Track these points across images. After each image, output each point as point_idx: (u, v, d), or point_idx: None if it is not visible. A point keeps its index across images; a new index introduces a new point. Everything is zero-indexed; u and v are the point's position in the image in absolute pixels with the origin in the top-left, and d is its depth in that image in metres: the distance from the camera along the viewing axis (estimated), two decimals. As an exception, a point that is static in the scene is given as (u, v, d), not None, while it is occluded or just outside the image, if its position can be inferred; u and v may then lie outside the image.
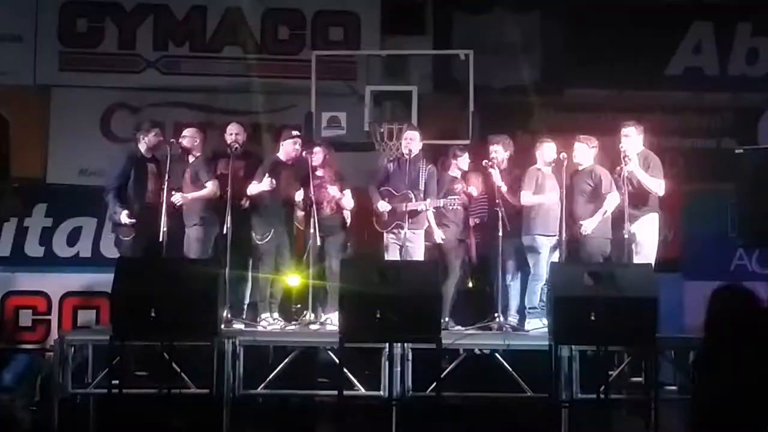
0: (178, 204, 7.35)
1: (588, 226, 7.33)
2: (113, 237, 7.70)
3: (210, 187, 7.49)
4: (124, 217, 7.36)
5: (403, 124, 8.11)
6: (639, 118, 7.90)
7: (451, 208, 7.59)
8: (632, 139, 7.41)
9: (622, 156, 7.32)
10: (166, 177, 7.30)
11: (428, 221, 7.63)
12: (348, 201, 7.68)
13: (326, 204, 7.59)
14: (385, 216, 7.59)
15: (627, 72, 9.30)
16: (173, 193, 7.33)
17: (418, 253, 7.47)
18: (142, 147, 7.60)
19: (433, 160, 8.01)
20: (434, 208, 7.53)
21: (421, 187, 7.54)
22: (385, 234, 7.61)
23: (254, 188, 7.43)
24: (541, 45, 9.65)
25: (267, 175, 7.39)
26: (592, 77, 9.39)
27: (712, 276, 8.77)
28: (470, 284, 8.04)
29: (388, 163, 7.85)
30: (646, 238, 7.35)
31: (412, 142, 7.59)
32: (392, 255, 7.46)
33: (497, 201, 7.52)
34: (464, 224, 7.89)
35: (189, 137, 7.66)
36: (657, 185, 7.36)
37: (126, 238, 7.46)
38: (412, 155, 7.54)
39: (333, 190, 7.59)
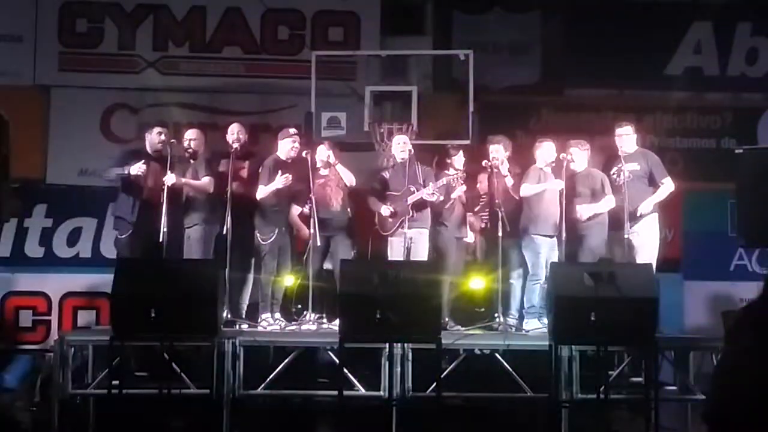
0: (170, 184, 7.28)
1: (583, 212, 7.33)
2: (113, 237, 7.70)
3: (204, 181, 7.50)
4: (136, 168, 7.28)
5: (403, 124, 8.12)
6: (639, 118, 7.93)
7: (454, 184, 7.58)
8: (627, 138, 7.46)
9: (622, 156, 7.35)
10: (166, 177, 7.29)
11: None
12: (349, 177, 7.66)
13: (335, 202, 7.58)
14: (388, 219, 7.59)
15: (627, 72, 9.29)
16: (169, 173, 7.32)
17: (422, 252, 7.47)
18: (147, 146, 7.63)
19: (430, 160, 8.01)
20: (437, 189, 7.50)
21: (421, 181, 7.56)
22: (389, 237, 7.61)
23: (265, 189, 7.44)
24: (541, 45, 9.65)
25: (279, 173, 7.39)
26: (592, 77, 9.39)
27: (712, 276, 8.83)
28: (470, 284, 8.03)
29: (383, 171, 7.85)
30: (647, 239, 7.37)
31: (405, 146, 7.60)
32: (397, 256, 7.44)
33: (497, 201, 7.53)
34: (463, 223, 7.89)
35: (196, 140, 7.70)
36: (668, 187, 7.41)
37: (123, 236, 7.46)
38: (404, 159, 7.55)
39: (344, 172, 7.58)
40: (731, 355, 2.87)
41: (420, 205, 7.54)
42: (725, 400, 2.73)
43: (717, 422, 2.74)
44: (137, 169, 7.28)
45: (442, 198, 7.56)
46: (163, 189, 7.24)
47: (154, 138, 7.60)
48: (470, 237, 8.04)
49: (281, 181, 7.37)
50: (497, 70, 9.36)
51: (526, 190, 7.52)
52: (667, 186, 7.47)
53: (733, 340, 2.88)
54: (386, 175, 7.76)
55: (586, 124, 8.55)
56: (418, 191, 7.47)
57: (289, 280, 7.59)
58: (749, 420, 2.65)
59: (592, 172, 7.54)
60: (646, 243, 7.36)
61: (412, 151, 7.62)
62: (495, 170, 7.60)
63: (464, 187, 7.71)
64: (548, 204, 7.49)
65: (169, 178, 7.25)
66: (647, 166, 7.46)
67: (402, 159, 7.57)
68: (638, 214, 7.32)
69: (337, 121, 8.43)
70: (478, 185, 7.95)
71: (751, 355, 2.70)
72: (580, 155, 7.55)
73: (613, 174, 7.48)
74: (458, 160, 7.87)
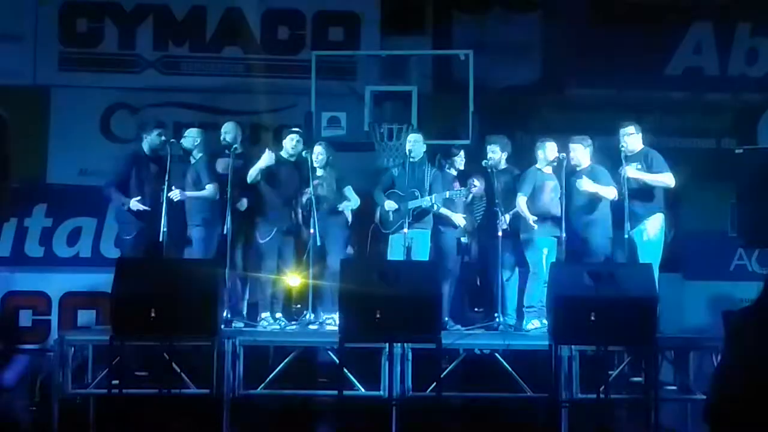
0: (176, 200, 7.35)
1: (585, 184, 7.31)
2: (114, 236, 7.71)
3: (210, 190, 7.51)
4: (135, 204, 7.36)
5: (404, 124, 8.12)
6: (639, 118, 7.93)
7: (457, 199, 7.58)
8: (632, 137, 7.46)
9: (622, 157, 7.35)
10: (167, 177, 7.30)
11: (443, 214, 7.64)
12: (353, 199, 7.66)
13: (333, 201, 7.58)
14: (390, 217, 7.59)
15: (627, 72, 9.29)
16: (173, 188, 7.33)
17: (422, 252, 7.46)
18: (145, 146, 7.64)
19: (431, 161, 8.01)
20: (440, 201, 7.51)
21: (426, 186, 7.55)
22: (390, 236, 7.61)
23: (253, 171, 7.43)
24: (541, 45, 9.64)
25: (263, 176, 7.41)
26: (592, 77, 9.39)
27: (712, 276, 8.82)
28: (470, 284, 8.04)
29: (393, 167, 7.86)
30: (652, 239, 7.35)
31: (415, 144, 7.60)
32: (397, 256, 7.44)
33: (497, 201, 7.53)
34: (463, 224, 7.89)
35: (190, 137, 7.68)
36: (666, 178, 7.40)
37: (128, 237, 7.48)
38: (417, 158, 7.55)
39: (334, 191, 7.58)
40: (732, 355, 2.87)
41: (422, 211, 7.54)
42: (726, 400, 2.74)
43: (718, 422, 2.75)
44: (136, 206, 7.32)
45: (441, 207, 7.55)
46: (163, 189, 7.25)
47: (153, 140, 7.61)
48: (467, 237, 8.04)
49: (267, 157, 7.37)
50: (497, 70, 9.35)
51: (519, 203, 7.51)
52: (666, 177, 7.43)
53: (733, 341, 2.88)
54: (395, 172, 7.78)
55: (586, 124, 8.53)
56: (421, 197, 7.47)
57: (294, 280, 7.57)
58: (749, 420, 2.65)
59: (596, 168, 7.52)
60: (650, 243, 7.35)
61: (423, 150, 7.62)
62: (494, 170, 7.61)
63: (465, 197, 7.69)
64: (549, 203, 7.49)
65: (174, 194, 7.28)
66: (647, 164, 7.45)
67: (413, 158, 7.56)
68: (623, 175, 7.25)
69: (337, 121, 8.44)
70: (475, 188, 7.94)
71: (751, 356, 2.70)
72: (582, 152, 7.55)
73: (616, 175, 7.47)
74: (459, 160, 7.87)
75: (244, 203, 7.53)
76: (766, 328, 2.76)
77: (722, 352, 3.12)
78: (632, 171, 7.28)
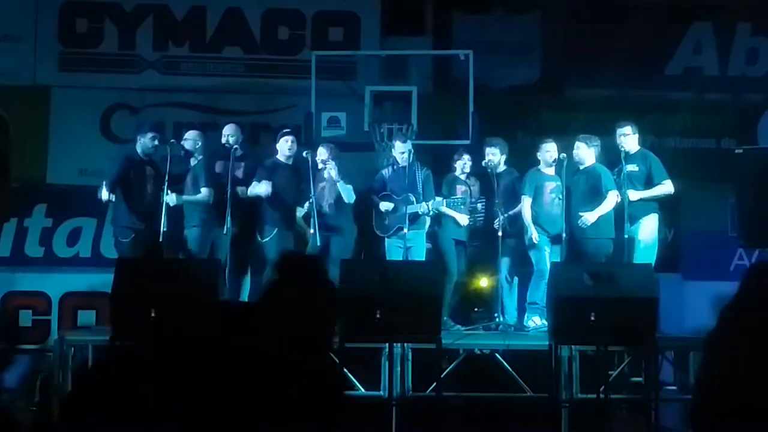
0: (172, 204, 7.34)
1: (589, 218, 7.32)
2: (113, 237, 7.72)
3: (203, 193, 7.50)
4: (103, 193, 7.35)
5: (404, 124, 8.12)
6: (639, 118, 7.93)
7: (453, 207, 7.58)
8: (629, 138, 7.48)
9: (622, 157, 7.36)
10: (166, 178, 7.29)
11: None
12: (348, 194, 7.65)
13: (333, 202, 7.57)
14: (386, 220, 7.58)
15: (627, 72, 9.29)
16: (168, 192, 7.32)
17: (420, 253, 7.46)
18: (138, 148, 7.64)
19: (434, 161, 8.01)
20: (436, 209, 7.51)
21: (419, 189, 7.54)
22: (386, 239, 7.60)
23: (252, 190, 7.46)
24: (541, 45, 9.64)
25: (264, 179, 7.41)
26: (592, 77, 9.38)
27: (712, 276, 8.81)
28: (470, 284, 8.03)
29: (383, 170, 7.85)
30: (647, 239, 7.37)
31: (406, 154, 7.57)
32: (394, 258, 7.42)
33: (497, 202, 7.54)
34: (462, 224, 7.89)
35: (191, 140, 7.68)
36: (666, 188, 7.42)
37: (125, 240, 7.47)
38: (407, 164, 7.54)
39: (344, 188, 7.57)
40: (714, 360, 2.87)
41: (417, 214, 7.54)
42: (711, 404, 2.74)
43: (703, 426, 2.75)
44: (105, 195, 7.31)
45: (435, 212, 7.55)
46: (162, 190, 7.25)
47: (146, 143, 7.61)
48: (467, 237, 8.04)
49: (263, 187, 7.36)
50: (497, 70, 9.35)
51: (524, 205, 7.53)
52: (666, 187, 7.46)
53: (714, 344, 2.88)
54: (385, 174, 7.77)
55: (586, 124, 8.53)
56: (416, 202, 7.46)
57: None
58: (735, 424, 2.65)
59: (596, 168, 7.53)
60: (646, 243, 7.36)
61: (412, 153, 7.62)
62: (493, 172, 7.62)
63: (462, 204, 7.68)
64: (551, 203, 7.50)
65: (170, 199, 7.27)
66: (646, 168, 7.48)
67: (403, 164, 7.57)
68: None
69: (337, 121, 8.44)
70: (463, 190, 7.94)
71: (732, 361, 2.70)
72: (586, 151, 7.55)
73: (614, 174, 7.49)
74: (462, 164, 7.86)
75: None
76: (744, 331, 2.76)
77: (702, 357, 3.10)
78: (634, 194, 7.31)
